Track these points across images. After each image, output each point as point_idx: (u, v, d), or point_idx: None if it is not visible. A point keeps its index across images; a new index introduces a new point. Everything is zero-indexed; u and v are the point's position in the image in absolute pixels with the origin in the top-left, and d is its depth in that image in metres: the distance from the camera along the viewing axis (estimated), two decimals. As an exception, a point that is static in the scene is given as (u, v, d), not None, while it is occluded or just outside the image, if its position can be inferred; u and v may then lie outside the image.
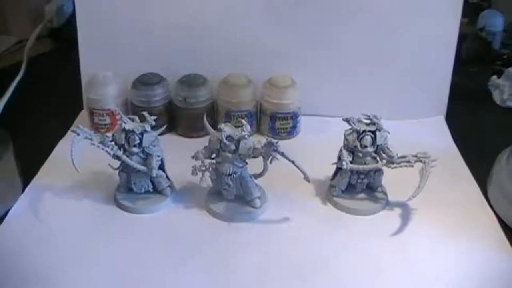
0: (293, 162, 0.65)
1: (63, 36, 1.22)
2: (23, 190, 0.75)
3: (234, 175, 0.68)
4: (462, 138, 0.89)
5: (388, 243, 0.67)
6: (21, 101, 0.92)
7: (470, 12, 1.22)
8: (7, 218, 0.70)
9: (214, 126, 0.70)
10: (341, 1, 0.88)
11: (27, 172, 0.78)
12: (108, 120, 0.87)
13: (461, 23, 0.91)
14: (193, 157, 0.69)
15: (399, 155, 0.69)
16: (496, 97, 1.02)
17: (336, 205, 0.73)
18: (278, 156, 0.65)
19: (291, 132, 0.88)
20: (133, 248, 0.66)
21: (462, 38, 0.97)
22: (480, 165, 0.80)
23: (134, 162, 0.70)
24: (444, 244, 0.67)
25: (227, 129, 0.67)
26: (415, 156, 0.69)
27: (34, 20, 1.20)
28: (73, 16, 0.92)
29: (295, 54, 0.91)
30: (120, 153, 0.69)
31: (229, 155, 0.67)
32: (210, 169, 0.69)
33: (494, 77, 1.04)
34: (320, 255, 0.65)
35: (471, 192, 0.77)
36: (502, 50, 1.16)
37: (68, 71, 0.95)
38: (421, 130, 0.91)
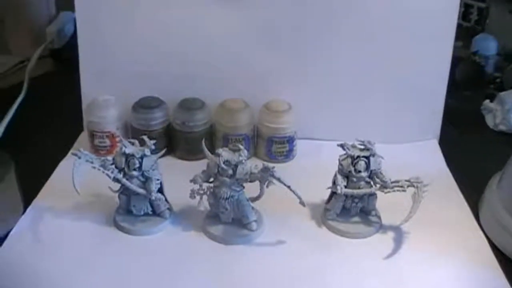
0: (288, 187, 0.66)
1: (64, 57, 1.23)
2: (24, 211, 0.76)
3: (231, 199, 0.70)
4: (455, 162, 0.90)
5: (381, 266, 0.68)
6: (23, 122, 0.93)
7: (464, 36, 1.24)
8: (8, 239, 0.71)
9: (212, 149, 0.71)
10: (336, 27, 0.90)
11: (28, 193, 0.79)
12: (108, 142, 0.88)
13: (456, 47, 0.93)
14: (191, 181, 0.70)
15: (392, 179, 0.71)
16: (489, 121, 1.04)
17: (330, 228, 0.74)
18: (275, 180, 0.67)
19: (288, 155, 0.90)
20: (132, 269, 0.67)
21: (456, 61, 0.98)
22: (472, 189, 0.82)
23: (133, 185, 0.71)
24: (436, 267, 0.68)
25: (224, 154, 0.68)
26: (408, 181, 0.70)
27: (35, 40, 1.22)
28: (74, 37, 0.94)
29: (291, 79, 0.92)
30: (120, 176, 0.71)
31: (227, 179, 0.69)
32: (208, 192, 0.71)
33: (487, 101, 1.05)
34: (315, 278, 0.66)
35: (463, 216, 0.78)
36: (495, 73, 1.18)
37: (69, 91, 0.96)
38: (415, 154, 0.92)
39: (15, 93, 0.99)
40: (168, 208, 0.75)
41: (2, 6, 1.22)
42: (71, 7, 0.92)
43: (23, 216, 0.75)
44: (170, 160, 0.89)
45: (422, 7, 0.89)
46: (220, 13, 0.90)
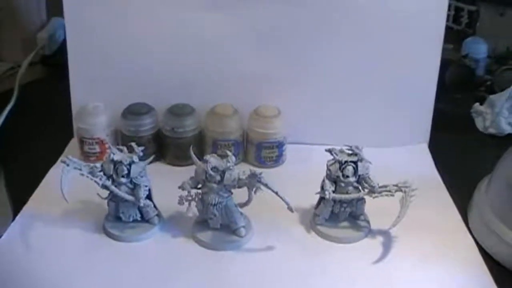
0: (276, 193, 0.67)
1: (55, 63, 1.22)
2: (14, 218, 0.76)
3: (220, 205, 0.70)
4: (444, 165, 0.90)
5: (371, 271, 0.68)
6: (13, 128, 0.93)
7: (455, 38, 1.24)
8: (-3, 247, 0.71)
9: (202, 155, 0.71)
10: (324, 32, 0.90)
11: (18, 200, 0.79)
12: (97, 149, 0.88)
13: (446, 50, 0.93)
14: (180, 187, 0.70)
15: (380, 184, 0.71)
16: (479, 124, 1.04)
17: (319, 233, 0.74)
18: (262, 186, 0.67)
19: (277, 160, 0.90)
20: (121, 275, 0.67)
21: (446, 64, 0.98)
22: (461, 192, 0.82)
23: (122, 192, 0.71)
24: (425, 271, 0.69)
25: (212, 160, 0.68)
26: (396, 185, 0.70)
27: (26, 47, 1.21)
28: (65, 43, 0.93)
29: (281, 84, 0.92)
30: (108, 183, 0.71)
31: (215, 185, 0.69)
32: (196, 199, 0.71)
33: (477, 104, 1.06)
34: (304, 283, 0.66)
35: (452, 219, 0.78)
36: (485, 76, 1.18)
37: (59, 98, 0.96)
38: (404, 157, 0.92)
39: (5, 99, 0.99)
40: (157, 215, 0.75)
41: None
42: (62, 13, 0.92)
43: (12, 224, 0.75)
44: (159, 166, 0.89)
45: (409, 12, 0.89)
46: (209, 20, 0.90)
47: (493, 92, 1.09)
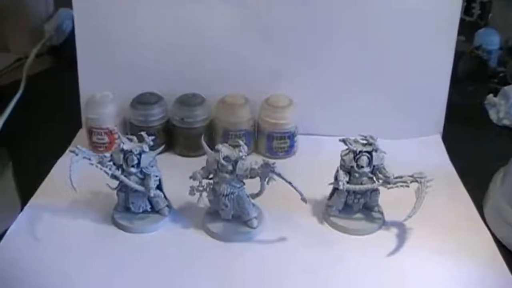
0: (290, 183, 0.65)
1: (63, 54, 1.22)
2: (22, 208, 0.76)
3: (232, 196, 0.69)
4: (458, 157, 0.89)
5: (384, 263, 0.67)
6: (20, 119, 0.92)
7: (467, 30, 1.23)
8: (5, 237, 0.71)
9: (212, 145, 0.70)
10: (337, 21, 0.89)
11: (26, 191, 0.78)
12: (106, 139, 0.87)
13: (458, 41, 0.92)
14: (191, 177, 0.69)
15: (395, 175, 0.69)
16: (493, 115, 1.03)
17: (333, 224, 0.73)
18: (275, 176, 0.66)
19: (289, 151, 0.88)
20: (131, 267, 0.67)
21: (459, 56, 0.97)
22: (476, 184, 0.81)
23: (132, 182, 0.70)
24: (439, 264, 0.67)
25: (224, 149, 0.67)
26: (411, 176, 0.69)
27: (33, 38, 1.21)
28: (72, 34, 0.93)
29: (293, 74, 0.91)
30: (118, 173, 0.70)
31: (227, 175, 0.68)
32: (208, 189, 0.70)
33: (491, 95, 1.05)
34: (317, 275, 0.65)
35: (467, 211, 0.77)
36: (498, 68, 1.17)
37: (67, 88, 0.95)
38: (418, 149, 0.91)
39: (13, 90, 0.99)
40: (167, 205, 0.74)
41: (0, 4, 1.21)
42: (69, 3, 0.91)
43: (20, 214, 0.75)
44: (169, 157, 0.88)
45: (424, 2, 0.88)
46: (220, 9, 0.89)
47: (506, 83, 1.08)
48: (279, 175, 0.66)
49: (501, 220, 0.71)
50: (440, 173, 0.80)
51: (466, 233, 0.72)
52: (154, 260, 0.68)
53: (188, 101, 0.86)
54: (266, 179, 0.67)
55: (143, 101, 0.87)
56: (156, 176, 0.71)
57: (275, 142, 0.87)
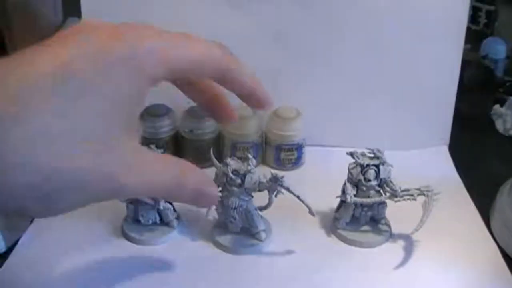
0: (298, 197, 0.66)
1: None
2: (32, 220, 0.76)
3: (240, 209, 0.69)
4: (465, 168, 0.89)
5: (392, 276, 0.68)
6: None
7: (473, 39, 1.23)
8: (16, 248, 0.71)
9: (220, 157, 0.71)
10: (344, 31, 0.89)
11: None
12: (115, 151, 0.87)
13: (464, 50, 0.92)
14: (199, 190, 0.70)
15: (402, 187, 0.70)
16: (499, 126, 1.03)
17: (340, 237, 0.73)
18: (284, 190, 0.67)
19: (296, 163, 0.89)
20: (140, 279, 0.67)
21: (465, 65, 0.97)
22: (483, 195, 0.81)
23: (141, 195, 0.71)
24: (447, 275, 0.68)
25: (233, 163, 0.68)
26: (418, 189, 0.69)
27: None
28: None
29: (300, 85, 0.92)
30: (128, 186, 0.70)
31: (235, 189, 0.68)
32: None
33: (497, 106, 1.04)
34: (324, 287, 0.66)
35: (474, 223, 0.77)
36: (505, 77, 1.17)
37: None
38: (425, 160, 0.91)
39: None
40: (176, 218, 0.74)
41: (10, 13, 1.22)
42: (78, 13, 0.91)
43: (31, 225, 0.75)
44: (178, 168, 0.88)
45: (430, 10, 0.88)
46: (228, 18, 0.89)
47: (513, 93, 1.08)
48: (287, 189, 0.66)
49: (509, 232, 0.71)
50: (447, 184, 0.80)
51: (473, 245, 0.73)
52: (163, 272, 0.68)
53: (197, 112, 0.87)
54: (275, 193, 0.68)
55: (152, 112, 0.87)
56: (165, 189, 0.71)
57: (283, 154, 0.87)
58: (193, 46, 0.50)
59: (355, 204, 0.71)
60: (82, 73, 0.42)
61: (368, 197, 0.71)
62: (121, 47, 0.44)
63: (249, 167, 0.67)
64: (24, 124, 0.39)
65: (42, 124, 0.40)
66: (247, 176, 0.67)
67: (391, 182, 0.70)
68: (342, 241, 0.73)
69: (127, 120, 0.46)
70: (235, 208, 0.69)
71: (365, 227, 0.74)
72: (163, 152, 0.72)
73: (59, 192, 0.42)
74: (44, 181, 0.40)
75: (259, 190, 0.68)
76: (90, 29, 0.46)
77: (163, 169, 0.50)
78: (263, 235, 0.71)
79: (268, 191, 0.68)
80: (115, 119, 0.44)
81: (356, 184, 0.71)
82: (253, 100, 0.57)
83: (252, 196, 0.70)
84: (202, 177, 0.55)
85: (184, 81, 0.58)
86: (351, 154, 0.71)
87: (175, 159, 0.53)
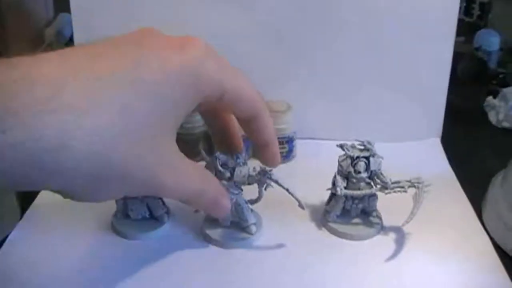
0: (287, 189, 0.66)
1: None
2: (21, 215, 0.76)
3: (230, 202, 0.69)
4: (457, 160, 0.89)
5: (383, 268, 0.67)
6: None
7: (467, 31, 1.23)
8: (5, 244, 0.71)
9: (210, 151, 0.70)
10: (335, 25, 0.89)
11: (26, 197, 0.78)
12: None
13: (458, 42, 0.92)
14: (189, 183, 0.69)
15: (393, 179, 0.69)
16: (492, 117, 1.03)
17: (331, 230, 0.73)
18: (273, 183, 0.66)
19: (287, 156, 0.88)
20: (130, 273, 0.66)
21: (458, 57, 0.97)
22: (475, 187, 0.81)
23: (130, 189, 0.70)
24: (438, 268, 0.67)
25: (221, 157, 0.67)
26: (409, 181, 0.69)
27: (34, 43, 1.21)
28: (73, 39, 0.93)
29: (290, 78, 0.91)
30: (116, 180, 0.70)
31: (225, 182, 0.68)
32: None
33: (490, 97, 1.04)
34: (315, 281, 0.65)
35: (466, 215, 0.77)
36: (498, 69, 1.17)
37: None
38: (417, 152, 0.91)
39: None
40: (166, 212, 0.74)
41: (4, 12, 1.22)
42: (69, 9, 0.91)
43: (20, 222, 0.75)
44: (168, 163, 0.88)
45: (421, 4, 0.88)
46: (219, 14, 0.89)
47: (506, 85, 1.08)
48: (276, 182, 0.66)
49: (501, 224, 0.71)
50: (440, 176, 0.80)
51: (465, 236, 0.72)
52: (153, 266, 0.68)
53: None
54: (264, 186, 0.67)
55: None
56: (155, 183, 0.71)
57: (274, 147, 0.87)
58: (245, 82, 0.60)
59: (346, 196, 0.71)
60: (150, 76, 0.47)
61: (359, 189, 0.70)
62: (186, 60, 0.52)
63: (238, 160, 0.67)
64: (94, 118, 0.43)
65: (109, 119, 0.44)
66: (236, 170, 0.67)
67: (381, 174, 0.70)
68: (333, 234, 0.73)
69: (174, 124, 0.53)
70: (224, 202, 0.69)
71: (356, 220, 0.74)
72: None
73: (106, 182, 0.47)
74: (97, 169, 0.45)
75: (249, 184, 0.68)
76: (161, 35, 0.53)
77: (193, 174, 0.56)
78: (253, 228, 0.71)
79: (258, 184, 0.68)
80: (167, 121, 0.51)
81: (347, 177, 0.71)
82: (266, 151, 0.63)
83: (242, 190, 0.69)
84: (220, 188, 0.61)
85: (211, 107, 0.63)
86: (341, 146, 0.70)
87: (200, 166, 0.56)
